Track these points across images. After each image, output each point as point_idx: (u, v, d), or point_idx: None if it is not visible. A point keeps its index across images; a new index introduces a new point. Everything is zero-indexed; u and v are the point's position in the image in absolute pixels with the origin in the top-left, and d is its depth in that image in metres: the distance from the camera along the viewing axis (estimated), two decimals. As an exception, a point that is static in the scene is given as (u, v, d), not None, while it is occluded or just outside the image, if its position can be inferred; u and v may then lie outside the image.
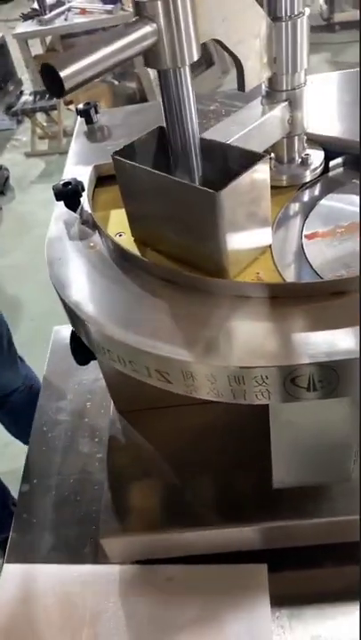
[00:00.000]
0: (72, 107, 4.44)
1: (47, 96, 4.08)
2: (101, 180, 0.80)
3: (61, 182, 0.71)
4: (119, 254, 0.63)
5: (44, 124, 4.41)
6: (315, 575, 0.84)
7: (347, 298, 0.52)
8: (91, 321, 0.56)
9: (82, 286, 0.61)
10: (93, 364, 0.90)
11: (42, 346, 1.32)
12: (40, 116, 4.35)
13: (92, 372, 1.16)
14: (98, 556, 0.90)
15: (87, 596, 0.84)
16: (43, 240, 0.73)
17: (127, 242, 0.67)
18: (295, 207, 0.70)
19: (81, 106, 0.91)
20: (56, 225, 0.71)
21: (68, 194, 0.70)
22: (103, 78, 4.10)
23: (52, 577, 0.87)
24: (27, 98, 4.13)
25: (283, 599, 0.81)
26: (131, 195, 0.64)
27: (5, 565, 0.90)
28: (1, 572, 0.91)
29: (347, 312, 0.51)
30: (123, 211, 0.71)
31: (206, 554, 0.83)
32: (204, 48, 0.53)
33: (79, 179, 0.73)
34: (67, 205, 0.71)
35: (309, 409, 0.59)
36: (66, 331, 1.11)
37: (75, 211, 0.71)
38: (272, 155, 0.72)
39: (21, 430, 1.61)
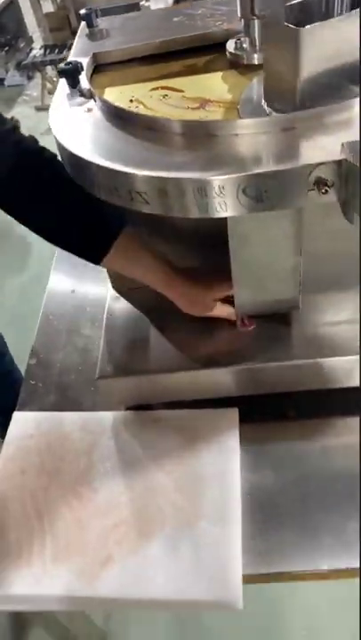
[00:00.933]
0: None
1: (57, 50, 4.15)
2: (98, 67, 0.92)
3: (64, 63, 0.83)
4: (111, 112, 0.74)
5: (55, 79, 4.48)
6: (280, 423, 0.98)
7: (292, 132, 0.64)
8: (87, 157, 0.68)
9: (80, 136, 0.73)
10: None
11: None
12: (50, 71, 4.42)
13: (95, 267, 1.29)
14: (95, 408, 1.05)
15: (85, 433, 0.98)
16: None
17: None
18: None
19: (83, 11, 1.02)
20: (58, 96, 0.83)
21: (69, 71, 0.82)
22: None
23: (54, 420, 1.02)
24: (37, 51, 4.20)
25: (250, 440, 0.95)
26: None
27: (15, 413, 1.05)
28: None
29: (292, 140, 0.63)
30: (116, 88, 0.84)
31: (189, 399, 0.97)
32: None
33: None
34: (68, 82, 0.83)
35: (261, 223, 0.71)
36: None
37: (75, 87, 0.83)
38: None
39: None
